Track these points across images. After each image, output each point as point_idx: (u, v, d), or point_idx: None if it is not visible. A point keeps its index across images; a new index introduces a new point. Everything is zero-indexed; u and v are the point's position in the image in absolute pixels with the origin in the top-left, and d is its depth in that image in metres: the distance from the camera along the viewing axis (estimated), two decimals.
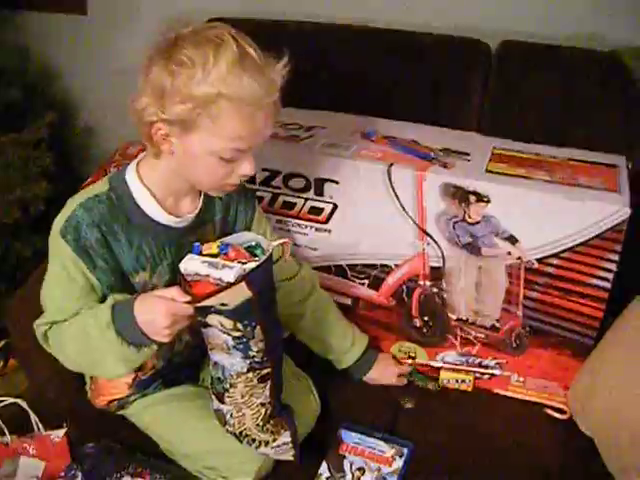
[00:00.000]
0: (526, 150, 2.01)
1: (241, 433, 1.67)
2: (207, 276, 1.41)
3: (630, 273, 1.83)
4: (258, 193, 2.02)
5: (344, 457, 1.81)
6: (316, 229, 2.02)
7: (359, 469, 1.78)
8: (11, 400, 1.84)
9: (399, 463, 1.80)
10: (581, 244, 1.80)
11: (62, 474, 1.73)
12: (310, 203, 1.99)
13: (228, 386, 1.62)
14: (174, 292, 1.43)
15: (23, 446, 1.81)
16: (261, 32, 2.41)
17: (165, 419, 1.80)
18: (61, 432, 1.82)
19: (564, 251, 1.83)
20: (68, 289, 1.54)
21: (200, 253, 1.46)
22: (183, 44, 1.41)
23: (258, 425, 1.65)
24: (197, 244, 1.47)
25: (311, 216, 2.01)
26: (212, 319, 1.47)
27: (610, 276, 1.83)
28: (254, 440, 1.67)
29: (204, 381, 1.90)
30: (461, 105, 2.27)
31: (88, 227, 1.49)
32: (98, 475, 1.72)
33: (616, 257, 1.80)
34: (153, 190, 1.55)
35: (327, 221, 2.00)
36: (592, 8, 2.28)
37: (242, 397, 1.62)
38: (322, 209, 1.99)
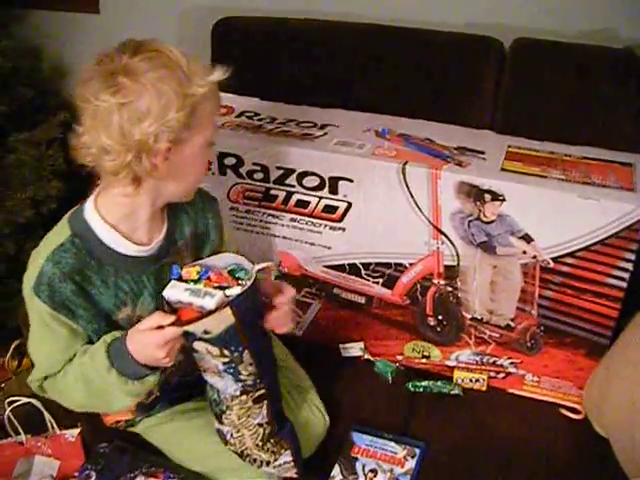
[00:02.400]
0: (541, 148, 2.00)
1: (242, 452, 1.67)
2: (190, 304, 1.41)
3: None
4: (272, 192, 2.03)
5: (356, 459, 1.81)
6: (330, 227, 2.02)
7: (371, 471, 1.79)
8: (25, 400, 1.85)
9: (411, 464, 1.80)
10: (596, 243, 1.79)
11: (76, 474, 1.73)
12: (324, 201, 1.99)
13: (225, 408, 1.62)
14: (157, 318, 1.43)
15: (38, 445, 1.82)
16: (270, 30, 2.46)
17: (172, 438, 1.80)
18: (75, 432, 1.83)
19: (579, 250, 1.82)
20: (54, 343, 1.53)
21: (180, 278, 1.45)
22: (133, 53, 1.38)
23: (258, 445, 1.66)
24: (175, 267, 1.47)
25: (325, 214, 2.01)
26: (198, 345, 1.47)
27: (626, 275, 1.82)
28: (255, 460, 1.67)
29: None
30: (475, 103, 2.26)
31: (60, 281, 1.46)
32: (112, 474, 1.72)
33: (632, 256, 1.79)
34: (117, 225, 1.51)
35: (341, 219, 1.99)
36: (606, 4, 2.27)
37: (239, 419, 1.63)
38: (336, 207, 1.98)
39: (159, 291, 1.50)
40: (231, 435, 1.66)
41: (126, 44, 1.40)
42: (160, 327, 1.41)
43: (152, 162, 1.40)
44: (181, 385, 1.79)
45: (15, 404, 1.85)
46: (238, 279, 1.47)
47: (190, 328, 1.41)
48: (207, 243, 1.74)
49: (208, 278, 1.45)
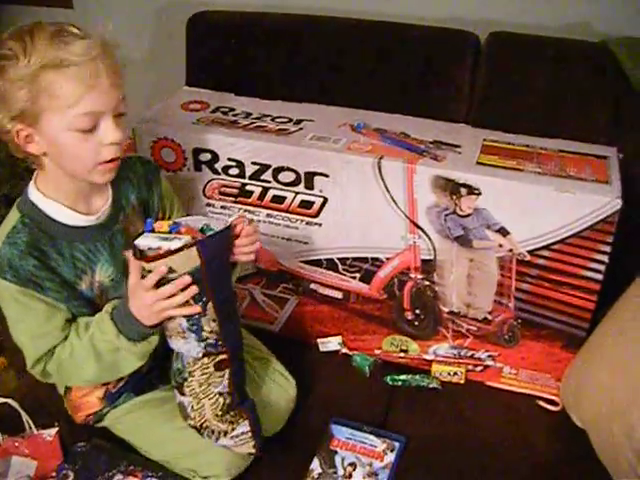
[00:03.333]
0: (516, 142, 2.00)
1: (201, 425, 1.69)
2: (159, 248, 1.45)
3: (621, 265, 1.83)
4: (248, 187, 2.02)
5: (335, 452, 1.81)
6: (307, 223, 2.02)
7: (351, 464, 1.79)
8: (2, 400, 1.83)
9: (391, 458, 1.80)
10: (572, 236, 1.80)
11: (54, 473, 1.72)
12: (300, 197, 1.98)
13: (187, 375, 1.64)
14: (132, 276, 1.51)
15: (15, 445, 1.80)
16: (246, 24, 2.45)
17: (135, 428, 1.82)
18: (53, 431, 1.82)
19: (555, 243, 1.82)
20: (33, 320, 1.56)
21: (152, 230, 1.50)
22: (3, 43, 1.41)
23: (217, 415, 1.67)
24: (150, 220, 1.53)
25: (301, 210, 2.00)
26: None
27: (602, 268, 1.82)
28: (213, 431, 1.69)
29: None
30: (450, 97, 2.26)
31: (20, 259, 1.50)
32: (90, 474, 1.72)
33: (607, 249, 1.79)
34: (60, 200, 1.56)
35: (317, 215, 1.99)
36: None
37: (200, 386, 1.65)
38: (312, 203, 1.98)
39: (114, 256, 1.64)
40: (192, 407, 1.67)
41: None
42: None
43: (18, 143, 1.46)
44: (146, 372, 1.80)
45: None
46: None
47: (158, 264, 1.45)
48: (154, 210, 1.79)
49: (178, 231, 1.50)
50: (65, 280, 1.58)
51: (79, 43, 1.41)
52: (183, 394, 1.67)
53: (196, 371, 1.63)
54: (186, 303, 1.50)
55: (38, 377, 1.64)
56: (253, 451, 1.72)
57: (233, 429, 1.69)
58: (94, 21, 2.67)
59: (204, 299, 1.52)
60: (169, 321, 1.56)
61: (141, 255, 1.47)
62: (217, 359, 1.62)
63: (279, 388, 1.92)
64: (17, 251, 1.50)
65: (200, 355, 1.61)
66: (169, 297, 1.48)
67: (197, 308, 1.51)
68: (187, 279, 1.47)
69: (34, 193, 1.56)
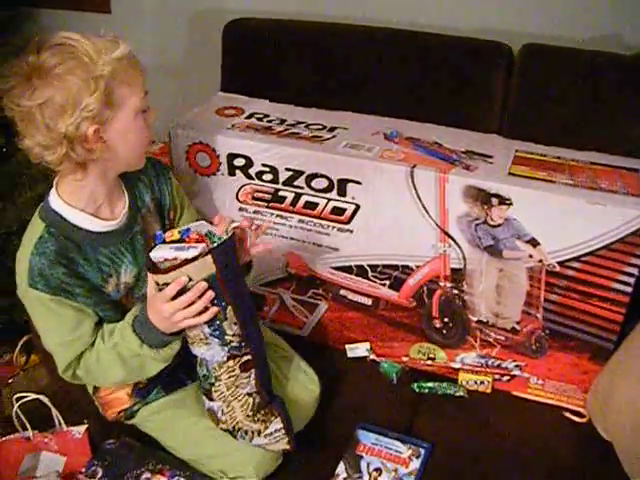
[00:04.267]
0: (548, 153, 2.00)
1: (234, 428, 1.71)
2: (175, 259, 1.47)
3: None
4: (281, 193, 2.04)
5: (361, 457, 1.82)
6: (338, 229, 2.03)
7: (376, 470, 1.80)
8: (33, 396, 1.85)
9: (416, 464, 1.81)
10: (602, 248, 1.80)
11: (83, 469, 1.75)
12: (333, 203, 2.00)
13: (213, 380, 1.67)
14: (149, 288, 1.55)
15: (44, 441, 1.84)
16: (280, 32, 2.47)
17: (165, 427, 1.84)
18: (82, 428, 1.85)
19: (585, 255, 1.82)
20: (62, 326, 1.60)
21: (164, 241, 1.52)
22: (45, 60, 1.44)
23: (248, 416, 1.69)
24: (159, 233, 1.55)
25: (333, 216, 2.02)
26: None
27: (631, 280, 1.82)
28: (246, 432, 1.71)
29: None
30: (482, 107, 2.27)
31: (50, 268, 1.54)
32: (118, 471, 1.74)
33: (637, 261, 1.80)
34: (82, 207, 1.60)
35: (349, 221, 2.00)
36: (614, 11, 2.28)
37: (228, 389, 1.67)
38: (344, 209, 1.99)
39: (136, 257, 1.70)
40: (222, 412, 1.70)
41: (33, 43, 1.46)
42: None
43: (86, 147, 1.49)
44: (177, 367, 1.81)
45: (23, 400, 1.85)
46: (214, 243, 1.54)
47: (174, 274, 1.47)
48: (167, 208, 1.83)
49: (188, 237, 1.53)
50: (93, 285, 1.62)
51: (114, 39, 1.51)
52: (212, 399, 1.69)
53: (222, 375, 1.65)
54: (204, 310, 1.52)
55: (69, 380, 1.67)
56: (288, 447, 1.74)
57: (266, 427, 1.70)
58: (131, 26, 2.73)
59: (223, 304, 1.55)
60: (190, 329, 1.59)
61: (156, 268, 1.50)
62: (242, 360, 1.65)
63: (303, 386, 1.95)
64: (46, 260, 1.53)
65: (225, 359, 1.63)
66: (187, 306, 1.50)
67: (215, 310, 1.54)
68: (204, 285, 1.49)
69: (56, 202, 1.59)
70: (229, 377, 1.65)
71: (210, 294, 1.51)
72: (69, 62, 1.43)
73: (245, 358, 1.65)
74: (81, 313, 1.60)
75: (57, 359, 1.64)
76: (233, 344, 1.61)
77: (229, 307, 1.56)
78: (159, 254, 1.49)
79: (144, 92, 1.56)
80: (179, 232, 1.53)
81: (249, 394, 1.68)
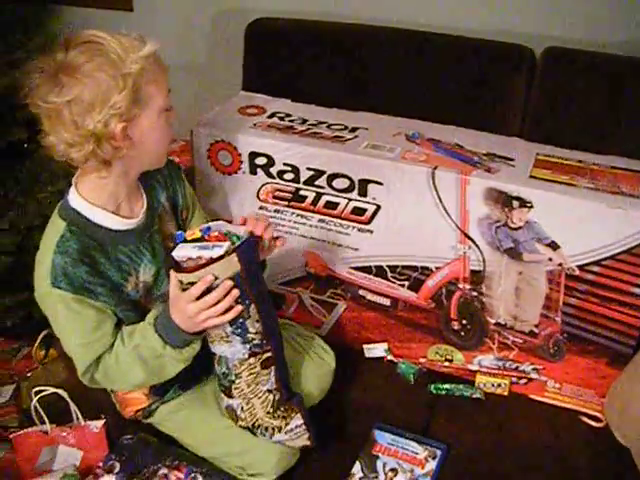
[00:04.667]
0: (569, 157, 2.00)
1: (254, 425, 1.72)
2: (199, 257, 1.48)
3: None
4: (302, 192, 2.05)
5: (377, 457, 1.82)
6: (358, 229, 2.04)
7: (392, 470, 1.80)
8: (52, 390, 1.86)
9: (432, 465, 1.81)
10: (623, 252, 1.80)
11: (101, 463, 1.76)
12: (353, 203, 2.01)
13: (234, 377, 1.67)
14: (172, 288, 1.54)
15: (62, 435, 1.84)
16: (303, 32, 2.47)
17: (184, 426, 1.85)
18: (100, 423, 1.85)
19: (605, 259, 1.82)
20: (84, 326, 1.59)
21: (185, 240, 1.54)
22: (74, 58, 1.44)
23: (269, 413, 1.70)
24: (180, 233, 1.56)
25: (354, 216, 2.02)
26: None
27: None
28: (267, 428, 1.71)
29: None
30: (504, 110, 2.28)
31: (73, 267, 1.53)
32: (135, 466, 1.75)
33: None
34: (103, 205, 1.60)
35: (370, 222, 2.01)
36: (637, 15, 2.27)
37: (248, 386, 1.68)
38: (365, 210, 2.00)
39: (155, 256, 1.70)
40: (241, 409, 1.71)
41: (60, 40, 1.47)
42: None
43: (113, 145, 1.49)
44: (190, 366, 1.83)
45: (42, 394, 1.85)
46: (233, 243, 1.54)
47: (200, 273, 1.47)
48: (180, 208, 1.84)
49: (209, 235, 1.54)
50: (114, 284, 1.62)
51: (140, 38, 1.50)
52: (231, 397, 1.70)
53: (243, 372, 1.66)
54: (228, 309, 1.53)
55: (87, 384, 1.67)
56: (308, 443, 1.75)
57: (287, 424, 1.71)
58: (153, 25, 2.74)
59: (246, 302, 1.55)
60: (212, 328, 1.59)
61: (180, 267, 1.51)
62: (263, 357, 1.65)
63: (321, 360, 1.98)
64: (69, 259, 1.53)
65: (246, 356, 1.64)
66: (212, 305, 1.51)
67: (239, 308, 1.54)
68: (230, 283, 1.50)
69: (76, 200, 1.59)
70: (250, 374, 1.66)
71: (235, 292, 1.51)
72: (97, 59, 1.43)
73: (266, 355, 1.65)
74: (102, 313, 1.59)
75: (77, 361, 1.64)
76: (255, 341, 1.62)
77: (252, 305, 1.57)
78: (182, 253, 1.50)
79: (167, 91, 1.56)
80: (200, 231, 1.54)
81: (269, 391, 1.69)
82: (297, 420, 1.72)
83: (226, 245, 1.49)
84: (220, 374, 1.70)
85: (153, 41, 1.51)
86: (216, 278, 1.48)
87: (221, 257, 1.47)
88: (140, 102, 1.49)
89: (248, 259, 1.53)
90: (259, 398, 1.69)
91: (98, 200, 1.59)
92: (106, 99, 1.43)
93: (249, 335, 1.60)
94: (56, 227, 1.58)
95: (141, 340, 1.59)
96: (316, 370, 1.95)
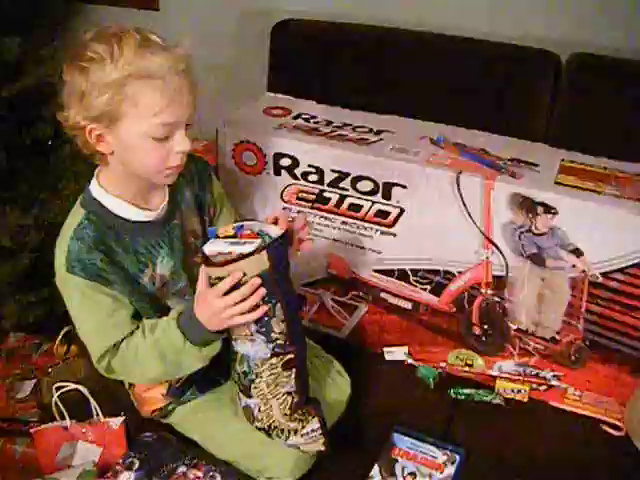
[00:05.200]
0: (595, 164, 2.00)
1: (270, 426, 1.71)
2: (230, 253, 1.49)
3: None
4: (326, 194, 2.06)
5: (396, 461, 1.82)
6: (381, 232, 2.04)
7: (410, 474, 1.79)
8: (73, 386, 1.87)
9: (451, 470, 1.80)
10: None
11: (120, 460, 1.76)
12: (377, 206, 2.01)
13: (254, 377, 1.67)
14: (200, 283, 1.56)
15: (82, 431, 1.85)
16: (329, 34, 2.48)
17: (201, 428, 1.85)
18: (119, 420, 1.85)
19: (629, 267, 1.82)
20: (98, 313, 1.61)
21: (217, 236, 1.55)
22: (89, 43, 1.46)
23: (286, 415, 1.69)
24: (212, 229, 1.59)
25: (377, 219, 2.03)
26: None
27: None
28: (283, 431, 1.71)
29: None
30: (529, 116, 2.27)
31: (88, 253, 1.55)
32: (154, 463, 1.75)
33: None
34: (123, 196, 1.61)
35: (393, 225, 2.01)
36: None
37: (268, 387, 1.67)
38: (389, 213, 2.00)
39: (173, 250, 1.70)
40: (259, 409, 1.70)
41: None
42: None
43: (90, 142, 1.50)
44: (208, 368, 1.82)
45: (63, 390, 1.86)
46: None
47: (230, 268, 1.49)
48: (207, 206, 1.83)
49: (241, 234, 1.55)
50: (129, 274, 1.63)
51: (165, 55, 1.46)
52: (250, 396, 1.70)
53: (264, 372, 1.66)
54: (254, 308, 1.53)
55: (103, 372, 1.68)
56: (323, 448, 1.73)
57: (303, 427, 1.70)
58: (179, 24, 2.75)
59: (273, 301, 1.56)
60: (236, 326, 1.59)
61: (210, 261, 1.52)
62: (285, 359, 1.65)
63: (337, 386, 1.96)
64: (85, 246, 1.55)
65: (268, 356, 1.63)
66: (237, 303, 1.51)
67: (265, 307, 1.54)
68: (258, 281, 1.50)
69: (96, 190, 1.61)
70: (270, 374, 1.65)
71: (263, 291, 1.51)
72: (95, 62, 1.44)
73: (288, 357, 1.65)
74: (117, 301, 1.61)
75: (91, 348, 1.65)
76: (278, 342, 1.62)
77: (278, 304, 1.57)
78: (213, 248, 1.51)
79: (166, 120, 1.49)
80: (233, 228, 1.55)
81: (288, 393, 1.69)
82: (313, 424, 1.71)
83: (257, 242, 1.50)
84: (240, 373, 1.70)
85: (168, 67, 1.46)
86: (244, 275, 1.49)
87: (251, 254, 1.48)
88: (112, 117, 1.46)
89: (278, 258, 1.53)
90: (277, 399, 1.68)
91: (117, 191, 1.60)
92: (78, 101, 1.46)
93: (273, 335, 1.60)
94: (75, 215, 1.60)
95: (162, 335, 1.60)
96: (331, 395, 1.93)
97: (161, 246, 1.69)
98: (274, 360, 1.64)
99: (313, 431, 1.72)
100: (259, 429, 1.72)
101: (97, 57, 1.43)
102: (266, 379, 1.66)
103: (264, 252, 1.49)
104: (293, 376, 1.68)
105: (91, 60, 1.43)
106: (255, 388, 1.68)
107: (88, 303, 1.59)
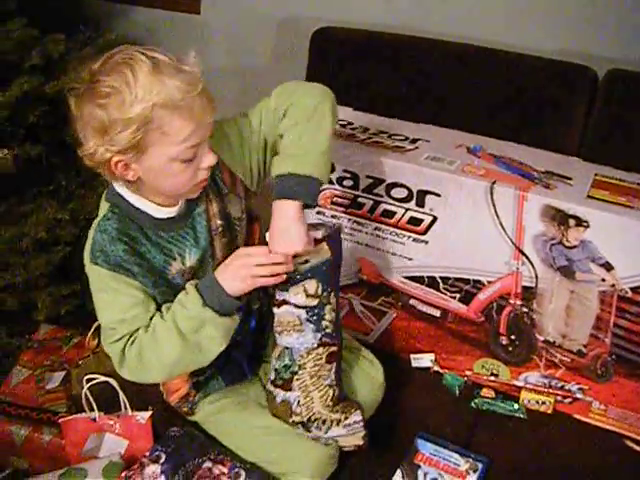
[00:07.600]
0: (628, 179, 2.00)
1: (309, 419, 1.71)
2: None
3: None
4: (360, 199, 2.08)
5: (419, 467, 1.82)
6: (413, 239, 2.05)
7: None
8: (103, 379, 1.88)
9: (473, 478, 1.80)
10: None
11: (147, 453, 1.77)
12: (410, 213, 2.03)
13: (297, 369, 1.69)
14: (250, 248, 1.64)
15: (109, 423, 1.87)
16: (367, 42, 2.50)
17: (224, 429, 1.86)
18: (147, 414, 1.87)
19: None
20: (118, 304, 1.61)
21: None
22: (99, 77, 1.44)
23: (328, 406, 1.71)
24: None
25: (410, 226, 2.04)
26: (296, 289, 1.60)
27: None
28: (324, 422, 1.71)
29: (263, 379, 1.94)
30: (563, 130, 2.28)
31: (111, 244, 1.57)
32: (181, 458, 1.76)
33: None
34: (144, 195, 1.61)
35: (425, 232, 2.03)
36: None
37: (311, 378, 1.69)
38: (421, 220, 2.02)
39: (198, 239, 1.68)
40: (298, 402, 1.71)
41: (100, 57, 1.47)
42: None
43: (113, 171, 1.49)
44: (240, 359, 1.86)
45: (93, 382, 1.88)
46: None
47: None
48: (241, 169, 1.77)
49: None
50: (153, 266, 1.63)
51: (181, 77, 1.44)
52: (290, 389, 1.71)
53: (308, 363, 1.67)
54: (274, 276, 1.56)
55: (116, 359, 1.67)
56: (361, 442, 1.75)
57: (346, 417, 1.71)
58: (219, 28, 2.77)
59: (329, 289, 1.61)
60: (284, 315, 1.62)
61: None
62: (330, 350, 1.68)
63: (368, 376, 1.95)
64: (107, 237, 1.57)
65: (315, 345, 1.66)
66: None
67: (284, 277, 1.57)
68: (278, 257, 1.54)
69: (120, 186, 1.61)
70: (314, 365, 1.67)
71: (290, 267, 1.56)
72: (112, 98, 1.42)
73: (332, 349, 1.68)
74: (140, 293, 1.61)
75: (106, 334, 1.65)
76: (327, 330, 1.65)
77: (332, 293, 1.62)
78: None
79: (194, 142, 1.50)
80: None
81: (330, 386, 1.70)
82: (356, 416, 1.72)
83: (323, 229, 1.59)
84: (280, 367, 1.71)
85: (186, 86, 1.45)
86: (306, 261, 1.56)
87: (318, 241, 1.57)
88: (140, 147, 1.46)
89: (337, 248, 1.61)
90: (320, 391, 1.69)
91: (137, 191, 1.60)
92: (101, 134, 1.44)
93: (324, 322, 1.63)
94: (101, 209, 1.63)
95: (178, 307, 1.59)
96: (366, 385, 1.92)
97: (186, 239, 1.68)
98: (320, 350, 1.67)
99: (355, 423, 1.73)
100: (296, 423, 1.72)
101: (113, 91, 1.41)
102: (310, 370, 1.68)
103: (324, 243, 1.57)
104: (333, 370, 1.70)
105: (108, 96, 1.42)
106: (297, 380, 1.69)
107: (109, 293, 1.61)
